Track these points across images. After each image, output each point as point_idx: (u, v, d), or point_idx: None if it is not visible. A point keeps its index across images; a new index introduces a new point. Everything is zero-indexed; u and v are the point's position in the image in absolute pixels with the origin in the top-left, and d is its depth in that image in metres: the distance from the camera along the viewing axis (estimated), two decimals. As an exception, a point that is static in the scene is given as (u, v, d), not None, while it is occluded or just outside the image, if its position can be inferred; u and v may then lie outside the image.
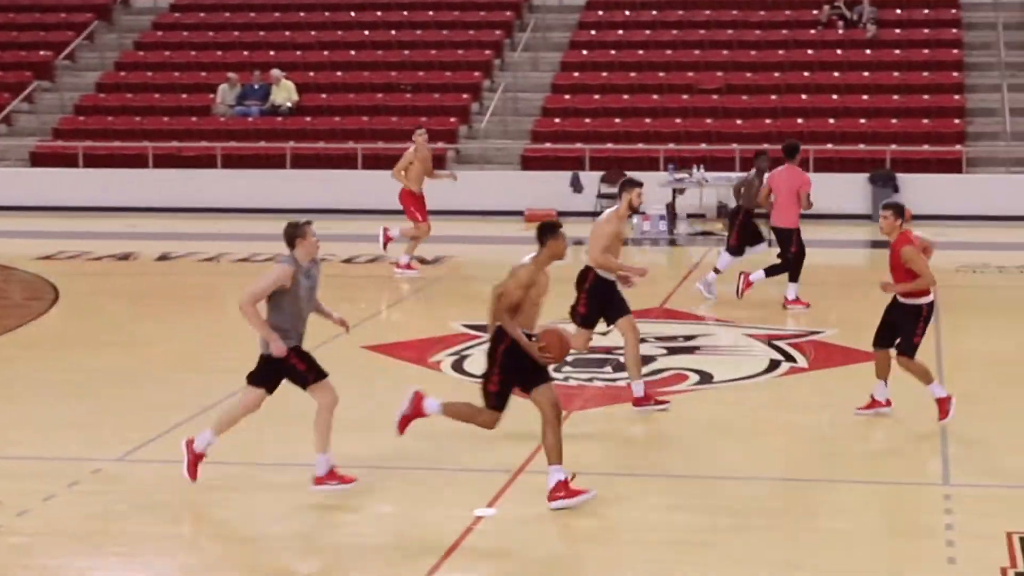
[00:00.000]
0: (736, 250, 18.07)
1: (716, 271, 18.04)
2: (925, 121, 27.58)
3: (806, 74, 29.24)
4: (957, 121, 27.54)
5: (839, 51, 29.95)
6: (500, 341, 9.73)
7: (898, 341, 11.82)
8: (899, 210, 11.58)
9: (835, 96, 28.61)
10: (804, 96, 28.66)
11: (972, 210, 25.27)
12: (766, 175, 17.54)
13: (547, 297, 9.89)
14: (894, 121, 27.59)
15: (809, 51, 30.00)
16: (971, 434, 11.85)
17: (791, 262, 17.41)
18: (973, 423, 12.19)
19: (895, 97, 28.38)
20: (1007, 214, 25.00)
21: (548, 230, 9.77)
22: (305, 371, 9.89)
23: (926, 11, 31.11)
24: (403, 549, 9.17)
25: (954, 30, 30.51)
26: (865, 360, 14.33)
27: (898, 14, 31.04)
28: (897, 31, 30.46)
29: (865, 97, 28.50)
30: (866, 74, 29.11)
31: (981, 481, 10.59)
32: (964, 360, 14.62)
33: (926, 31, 30.43)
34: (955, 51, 29.78)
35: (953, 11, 31.11)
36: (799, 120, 27.91)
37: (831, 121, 27.84)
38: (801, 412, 12.93)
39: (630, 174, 25.78)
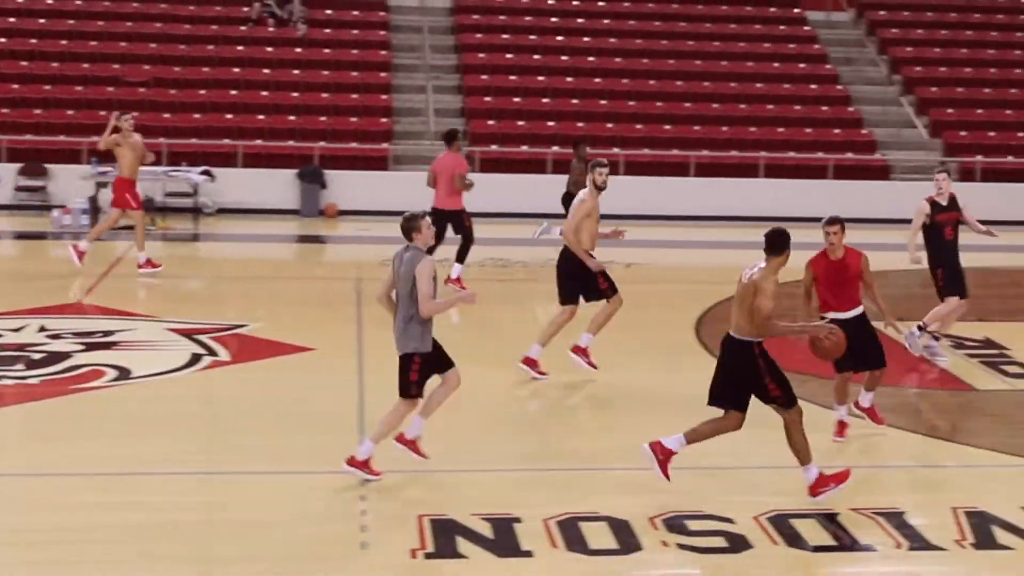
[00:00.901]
0: None
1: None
2: (354, 119, 27.97)
3: (236, 70, 29.00)
4: (384, 120, 28.11)
5: (270, 49, 29.87)
6: (748, 354, 9.76)
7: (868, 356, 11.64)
8: (843, 224, 11.40)
9: (265, 93, 28.51)
10: (234, 92, 28.40)
11: (398, 206, 25.54)
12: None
13: None
14: (323, 119, 27.82)
15: (239, 47, 29.75)
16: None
17: (470, 239, 18.25)
18: (388, 410, 12.31)
19: (325, 95, 28.62)
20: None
21: (786, 239, 9.78)
22: (412, 382, 10.28)
23: (356, 12, 31.57)
24: None
25: (382, 32, 31.13)
26: (292, 352, 14.35)
27: (328, 14, 31.33)
28: (327, 31, 30.75)
29: (295, 94, 28.56)
30: (296, 72, 29.20)
31: (397, 467, 10.68)
32: (387, 350, 14.77)
33: (355, 32, 30.89)
34: (383, 52, 30.40)
35: (382, 13, 31.74)
36: (228, 116, 27.60)
37: (261, 118, 27.72)
38: (221, 406, 12.70)
39: (51, 167, 25.06)
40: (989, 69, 31.58)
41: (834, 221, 11.37)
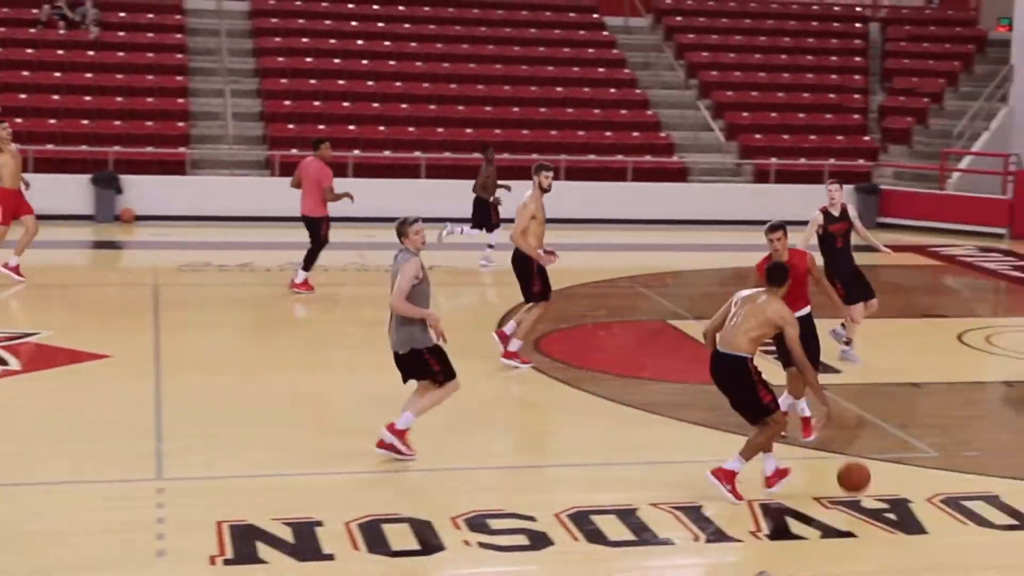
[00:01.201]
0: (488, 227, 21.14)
1: (462, 231, 21.17)
2: (150, 124, 27.41)
3: (25, 73, 28.18)
4: (181, 124, 27.63)
5: (61, 51, 29.14)
6: (745, 368, 10.11)
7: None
8: (786, 229, 11.52)
9: (57, 96, 27.78)
10: (23, 96, 27.59)
11: (196, 211, 25.41)
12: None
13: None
14: (118, 123, 27.22)
15: (29, 50, 28.95)
16: (189, 428, 11.76)
17: (321, 245, 18.22)
18: (186, 416, 12.11)
19: (119, 99, 28.00)
20: (230, 214, 25.39)
21: (787, 272, 10.38)
22: (438, 371, 10.66)
23: (150, 15, 30.98)
24: None
25: (178, 35, 30.60)
26: (87, 359, 14.02)
27: (122, 17, 30.69)
28: (121, 34, 30.09)
29: (88, 98, 27.86)
30: (89, 75, 28.51)
31: (194, 474, 10.51)
32: (185, 355, 14.57)
33: (150, 35, 30.28)
34: (179, 56, 29.88)
35: (178, 17, 31.21)
36: (18, 120, 26.63)
37: (52, 122, 27.00)
38: (12, 416, 12.31)
39: None
40: (782, 74, 32.39)
41: (777, 227, 11.47)
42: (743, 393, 10.24)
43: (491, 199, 21.42)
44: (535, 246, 14.15)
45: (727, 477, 10.16)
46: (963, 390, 14.42)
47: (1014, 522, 10.00)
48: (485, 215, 21.28)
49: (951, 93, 32.30)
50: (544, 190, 14.21)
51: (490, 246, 20.94)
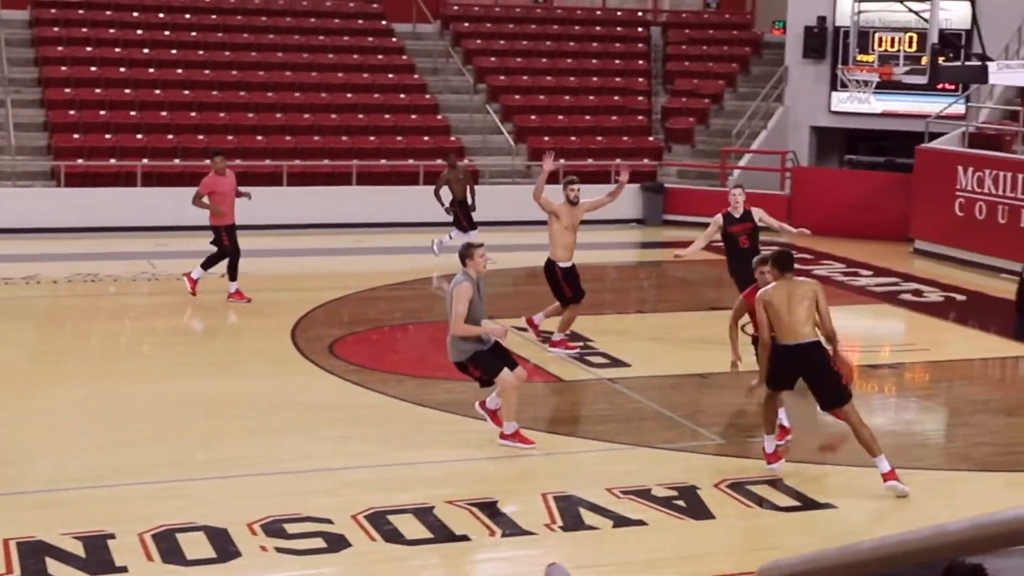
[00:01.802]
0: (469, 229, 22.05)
1: (451, 237, 21.92)
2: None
3: None
4: (-40, 137, 26.89)
5: None
6: (825, 352, 10.65)
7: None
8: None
9: None
10: None
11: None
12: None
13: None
14: None
15: None
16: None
17: (229, 254, 18.33)
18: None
19: None
20: (14, 226, 24.75)
21: (792, 258, 10.99)
22: (478, 377, 11.67)
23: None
24: None
25: (-44, 45, 29.80)
26: None
27: None
28: None
29: None
30: None
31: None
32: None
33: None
34: (-43, 66, 29.10)
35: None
36: None
37: None
38: None
39: None
40: (568, 77, 32.84)
41: (764, 261, 11.50)
42: (827, 377, 10.64)
43: (445, 206, 22.53)
44: (560, 257, 15.26)
45: (889, 476, 10.53)
46: (747, 379, 14.80)
47: (797, 503, 10.39)
48: (464, 215, 22.63)
49: (730, 94, 33.15)
50: (571, 202, 15.39)
51: (450, 236, 22.15)
